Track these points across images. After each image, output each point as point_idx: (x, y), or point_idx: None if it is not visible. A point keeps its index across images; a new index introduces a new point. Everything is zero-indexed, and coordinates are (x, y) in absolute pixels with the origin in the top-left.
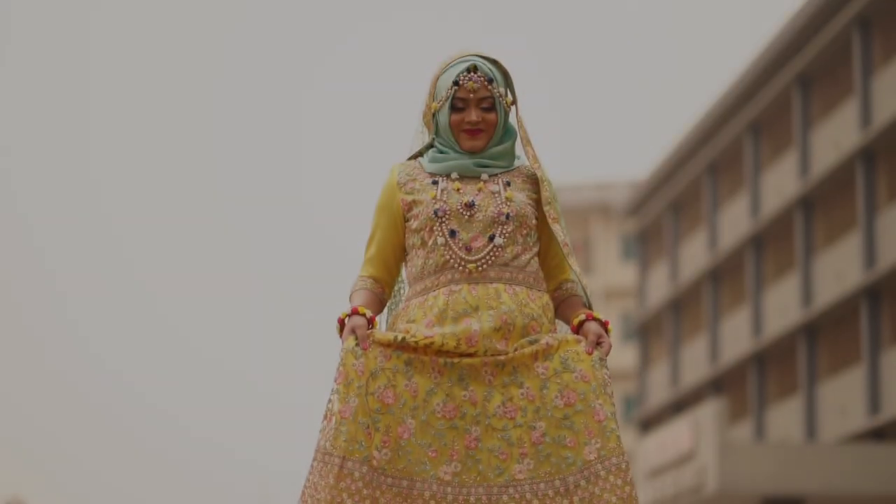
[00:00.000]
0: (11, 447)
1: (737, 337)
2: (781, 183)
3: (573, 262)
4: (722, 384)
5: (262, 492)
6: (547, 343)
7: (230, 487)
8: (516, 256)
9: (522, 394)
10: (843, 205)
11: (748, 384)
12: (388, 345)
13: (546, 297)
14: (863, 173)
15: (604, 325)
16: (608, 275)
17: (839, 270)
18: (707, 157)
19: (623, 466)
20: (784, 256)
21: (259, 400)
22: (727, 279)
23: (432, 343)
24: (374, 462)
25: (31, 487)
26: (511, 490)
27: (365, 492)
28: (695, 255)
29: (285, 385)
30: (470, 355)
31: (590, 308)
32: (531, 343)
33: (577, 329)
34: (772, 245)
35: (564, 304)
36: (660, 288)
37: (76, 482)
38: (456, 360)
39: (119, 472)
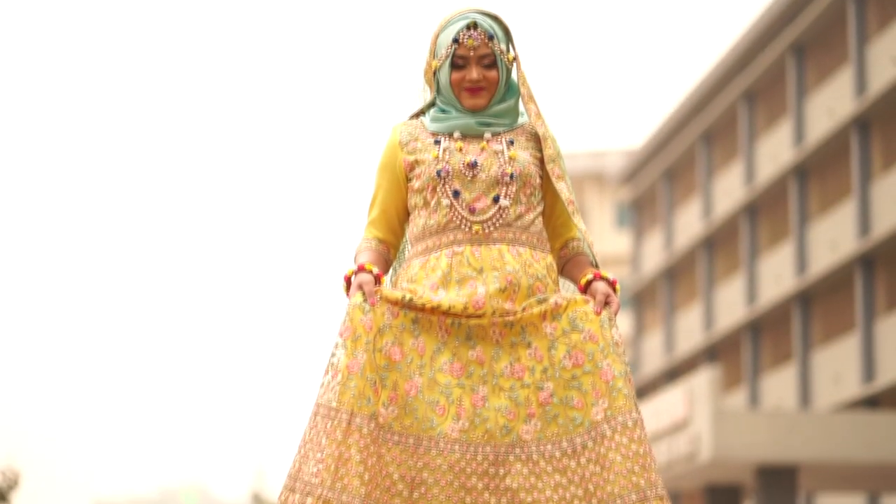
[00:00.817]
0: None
1: (731, 305)
2: (776, 151)
3: (578, 220)
4: (716, 352)
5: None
6: (555, 303)
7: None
8: (520, 216)
9: (530, 354)
10: (838, 173)
11: (742, 352)
12: (395, 303)
13: (550, 258)
14: (857, 141)
15: (612, 284)
16: (602, 243)
17: (833, 238)
18: (701, 125)
19: (629, 424)
20: (778, 225)
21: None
22: (721, 247)
23: (440, 305)
24: (381, 419)
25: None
26: (517, 450)
27: (372, 448)
28: (689, 224)
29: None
30: (478, 317)
31: (596, 266)
32: (539, 302)
33: (585, 289)
34: (766, 213)
35: (571, 262)
36: (654, 256)
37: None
38: (463, 320)
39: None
